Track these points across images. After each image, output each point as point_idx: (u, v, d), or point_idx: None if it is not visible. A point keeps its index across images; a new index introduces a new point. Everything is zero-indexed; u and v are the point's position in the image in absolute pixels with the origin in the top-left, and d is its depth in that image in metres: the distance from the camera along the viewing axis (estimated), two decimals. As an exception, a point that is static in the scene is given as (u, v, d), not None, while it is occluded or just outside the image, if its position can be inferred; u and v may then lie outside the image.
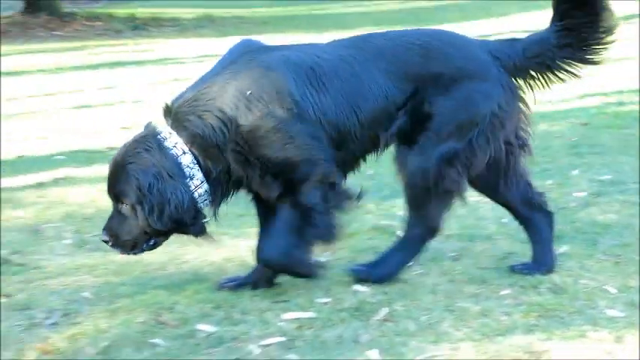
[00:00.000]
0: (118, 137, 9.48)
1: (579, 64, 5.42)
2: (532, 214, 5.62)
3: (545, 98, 10.53)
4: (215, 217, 5.28)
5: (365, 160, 5.46)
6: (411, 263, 5.48)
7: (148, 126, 5.18)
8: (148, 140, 5.10)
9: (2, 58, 16.35)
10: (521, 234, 6.01)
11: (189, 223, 5.11)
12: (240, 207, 6.56)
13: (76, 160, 8.63)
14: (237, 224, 6.58)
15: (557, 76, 5.44)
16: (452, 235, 6.17)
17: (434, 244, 5.80)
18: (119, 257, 5.95)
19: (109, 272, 5.73)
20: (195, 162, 5.08)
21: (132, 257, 5.73)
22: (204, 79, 5.17)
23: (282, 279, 5.48)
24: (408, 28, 5.65)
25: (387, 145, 5.37)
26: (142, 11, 24.43)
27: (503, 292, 5.16)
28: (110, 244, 5.18)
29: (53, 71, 14.72)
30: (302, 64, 5.17)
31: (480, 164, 5.35)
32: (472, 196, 6.98)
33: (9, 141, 9.61)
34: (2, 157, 8.90)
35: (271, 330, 4.81)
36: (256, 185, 5.19)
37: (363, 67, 5.21)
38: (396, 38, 5.40)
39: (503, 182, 5.55)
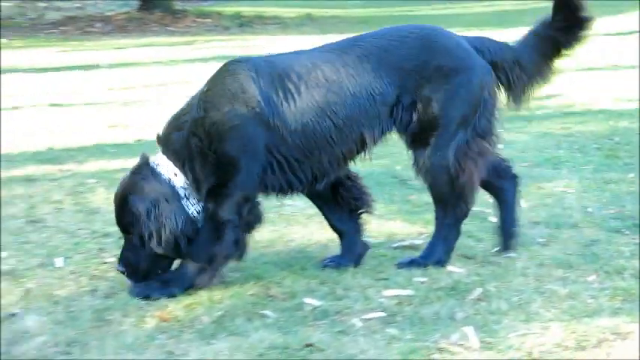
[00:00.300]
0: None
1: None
2: (502, 182, 5.61)
3: (627, 96, 10.50)
4: None
5: (352, 159, 5.32)
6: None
7: (142, 156, 5.15)
8: (143, 170, 5.08)
9: (120, 50, 16.53)
10: (606, 222, 5.96)
11: (186, 245, 5.03)
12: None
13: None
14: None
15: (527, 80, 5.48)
16: (540, 222, 6.13)
17: (523, 230, 5.77)
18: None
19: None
20: (188, 181, 5.03)
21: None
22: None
23: (382, 258, 5.50)
24: (399, 25, 5.60)
25: (376, 143, 5.26)
26: (247, 10, 24.49)
27: (589, 278, 5.09)
28: (126, 274, 5.09)
29: (167, 63, 14.82)
30: (272, 72, 5.08)
31: (493, 148, 5.38)
32: (558, 186, 6.97)
33: (128, 127, 9.70)
34: (123, 141, 8.99)
35: (372, 305, 4.80)
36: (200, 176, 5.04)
37: (342, 70, 5.10)
38: (386, 36, 5.31)
39: None
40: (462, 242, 5.59)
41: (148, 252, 5.02)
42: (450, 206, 5.33)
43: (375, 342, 4.35)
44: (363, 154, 5.30)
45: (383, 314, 4.68)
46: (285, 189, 5.21)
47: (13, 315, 4.76)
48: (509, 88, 5.45)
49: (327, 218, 5.55)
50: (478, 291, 4.91)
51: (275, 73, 5.06)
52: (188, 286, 5.03)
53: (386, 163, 7.75)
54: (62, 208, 6.68)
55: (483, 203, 6.41)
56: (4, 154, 8.44)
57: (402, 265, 5.34)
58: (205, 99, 5.03)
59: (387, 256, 5.57)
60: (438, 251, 5.37)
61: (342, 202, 5.47)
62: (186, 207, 5.03)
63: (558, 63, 5.55)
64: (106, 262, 5.54)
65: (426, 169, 5.27)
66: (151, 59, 15.41)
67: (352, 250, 5.46)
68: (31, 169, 7.72)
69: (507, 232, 5.59)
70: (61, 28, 21.21)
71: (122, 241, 5.73)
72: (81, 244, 5.81)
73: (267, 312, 4.75)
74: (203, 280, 5.05)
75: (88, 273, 5.36)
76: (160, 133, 5.14)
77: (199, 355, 4.29)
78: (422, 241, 5.70)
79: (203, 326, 4.61)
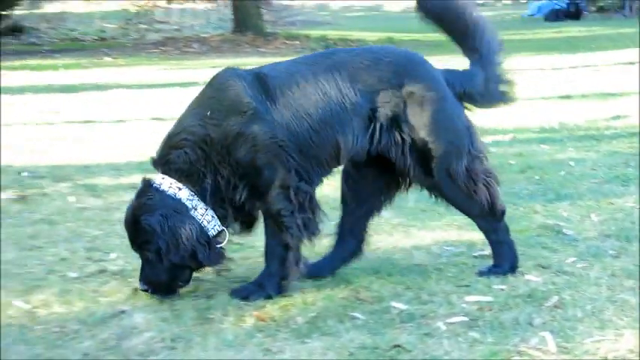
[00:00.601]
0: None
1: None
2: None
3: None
4: (235, 233, 5.21)
5: (333, 164, 5.20)
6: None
7: (142, 181, 5.07)
8: (147, 192, 4.99)
9: (215, 69, 16.62)
10: (675, 237, 5.88)
11: (204, 251, 4.96)
12: (424, 203, 6.59)
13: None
14: (422, 218, 6.58)
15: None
16: (611, 235, 6.03)
17: (595, 242, 5.73)
18: (323, 241, 6.02)
19: (311, 254, 5.74)
20: (193, 193, 4.95)
21: (327, 243, 5.79)
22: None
23: (463, 266, 5.47)
24: (376, 46, 5.59)
25: (350, 151, 5.12)
26: (332, 33, 24.57)
27: (660, 289, 5.04)
28: (150, 291, 5.02)
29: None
30: (255, 78, 5.03)
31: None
32: (627, 202, 6.88)
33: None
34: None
35: (455, 310, 4.76)
36: (228, 192, 4.99)
37: (314, 78, 5.02)
38: (360, 55, 5.22)
39: None
40: (539, 253, 5.58)
41: (166, 265, 4.93)
42: (490, 218, 5.31)
43: (459, 344, 4.32)
44: (339, 161, 5.19)
45: (465, 319, 4.64)
46: None
47: (123, 312, 4.80)
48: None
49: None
50: (554, 299, 4.85)
51: (259, 81, 5.02)
52: (280, 283, 5.03)
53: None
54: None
55: (558, 217, 6.37)
56: (112, 163, 8.54)
57: (482, 273, 5.30)
58: (204, 115, 4.97)
59: (467, 264, 5.53)
60: (508, 257, 5.33)
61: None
62: (195, 217, 4.95)
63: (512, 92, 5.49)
64: (206, 265, 5.57)
65: (442, 197, 5.29)
66: (244, 78, 15.45)
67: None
68: (136, 178, 7.75)
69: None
70: (161, 48, 21.41)
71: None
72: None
73: (356, 314, 4.74)
74: (291, 272, 5.05)
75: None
76: (156, 155, 5.08)
77: (294, 353, 4.29)
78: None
79: (297, 326, 4.61)
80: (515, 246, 5.37)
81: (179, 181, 4.94)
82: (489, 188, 5.26)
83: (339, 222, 5.48)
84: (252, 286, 5.09)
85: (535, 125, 10.74)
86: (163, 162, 5.01)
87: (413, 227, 6.33)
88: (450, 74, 5.31)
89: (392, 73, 5.12)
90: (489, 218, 5.31)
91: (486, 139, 6.48)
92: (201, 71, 14.80)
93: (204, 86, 5.14)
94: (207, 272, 5.37)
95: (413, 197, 6.99)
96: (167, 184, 4.94)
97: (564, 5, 35.17)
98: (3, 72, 15.84)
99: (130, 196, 6.79)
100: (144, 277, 4.99)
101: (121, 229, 6.04)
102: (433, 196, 5.35)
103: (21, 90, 12.35)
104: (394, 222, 6.42)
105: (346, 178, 5.41)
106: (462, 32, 5.42)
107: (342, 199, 5.48)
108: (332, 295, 5.01)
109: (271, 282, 5.06)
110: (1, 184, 7.56)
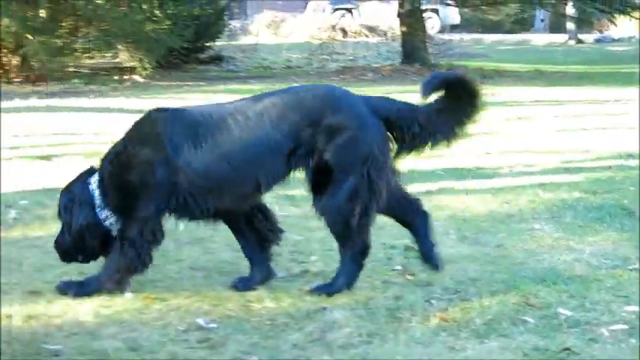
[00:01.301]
0: (481, 160, 9.47)
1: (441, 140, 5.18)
2: (413, 218, 5.35)
3: None
4: None
5: (250, 198, 5.11)
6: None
7: (90, 167, 5.15)
8: (81, 177, 5.12)
9: (387, 94, 16.59)
10: None
11: (91, 240, 5.03)
12: (580, 219, 6.45)
13: (451, 175, 8.60)
14: (579, 232, 6.39)
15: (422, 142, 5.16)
16: None
17: None
18: (491, 251, 5.95)
19: (486, 262, 5.67)
20: (103, 196, 5.00)
21: (499, 253, 5.71)
22: None
23: (620, 278, 5.31)
24: (302, 85, 5.39)
25: (270, 186, 5.06)
26: (487, 65, 24.27)
27: None
28: (55, 250, 5.17)
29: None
30: (183, 121, 4.97)
31: (382, 195, 5.02)
32: None
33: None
34: (402, 168, 8.94)
35: (616, 318, 4.63)
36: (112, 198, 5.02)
37: (244, 122, 4.91)
38: (287, 94, 5.07)
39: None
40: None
41: (67, 238, 5.06)
42: (348, 243, 5.07)
43: (622, 350, 4.21)
44: (259, 194, 5.12)
45: (626, 327, 4.51)
46: (192, 216, 5.10)
47: (324, 309, 4.82)
48: (404, 142, 5.15)
49: (241, 245, 5.36)
50: None
51: (186, 122, 4.96)
52: (97, 289, 5.00)
53: (616, 197, 7.50)
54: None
55: None
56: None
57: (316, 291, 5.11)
58: (126, 138, 5.05)
59: (623, 277, 5.37)
60: (338, 282, 5.10)
61: (254, 232, 5.29)
62: (99, 214, 5.01)
63: (461, 127, 5.19)
64: (393, 269, 5.55)
65: (321, 211, 5.05)
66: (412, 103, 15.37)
67: (259, 274, 5.26)
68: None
69: (429, 256, 5.31)
70: (340, 76, 21.53)
71: (406, 253, 5.79)
72: (373, 254, 5.79)
73: (527, 318, 4.65)
74: (111, 286, 5.00)
75: (380, 277, 5.38)
76: (103, 158, 5.15)
77: (475, 352, 4.24)
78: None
79: (476, 327, 4.55)
80: (353, 280, 5.11)
81: (100, 182, 5.05)
82: (363, 215, 5.02)
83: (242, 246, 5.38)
84: (76, 283, 5.09)
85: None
86: (100, 164, 5.10)
87: (572, 240, 6.17)
88: (376, 103, 5.12)
89: (311, 110, 4.97)
90: (349, 247, 5.09)
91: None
92: (377, 97, 14.77)
93: (144, 114, 5.17)
94: (393, 276, 5.38)
95: (570, 214, 6.89)
96: (94, 180, 5.06)
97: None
98: (210, 95, 16.16)
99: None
100: (56, 239, 5.16)
101: (320, 236, 6.12)
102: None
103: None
104: (555, 236, 6.28)
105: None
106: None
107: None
108: (505, 300, 4.92)
109: (92, 285, 5.04)
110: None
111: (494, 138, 11.06)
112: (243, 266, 5.43)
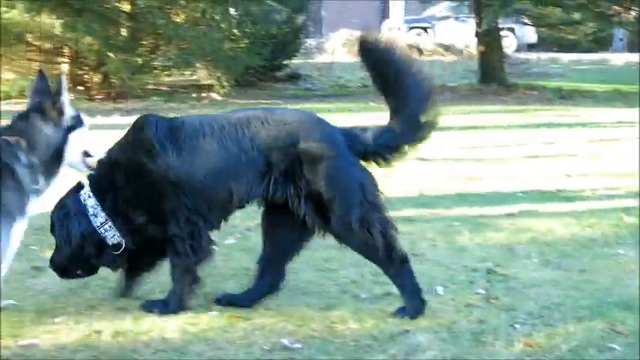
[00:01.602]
0: (562, 182, 9.39)
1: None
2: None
3: None
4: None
5: (228, 208, 5.12)
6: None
7: (78, 183, 5.14)
8: (70, 193, 5.12)
9: (464, 115, 16.51)
10: None
11: (93, 252, 5.04)
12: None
13: (532, 198, 8.54)
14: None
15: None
16: None
17: None
18: (575, 276, 5.90)
19: (569, 287, 5.63)
20: (98, 204, 4.99)
21: (583, 278, 5.66)
22: None
23: None
24: (282, 108, 5.57)
25: (244, 199, 5.06)
26: (565, 85, 24.00)
27: None
28: (52, 269, 5.16)
29: (505, 127, 14.66)
30: (169, 125, 5.05)
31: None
32: None
33: (483, 179, 9.64)
34: (480, 191, 8.98)
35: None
36: (129, 212, 5.03)
37: (222, 133, 4.95)
38: (266, 114, 5.09)
39: None
40: None
41: (65, 253, 5.05)
42: (385, 261, 5.11)
43: None
44: (233, 205, 5.11)
45: None
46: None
47: (407, 331, 4.84)
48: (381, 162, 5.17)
49: (265, 251, 5.36)
50: None
51: (171, 128, 5.04)
52: (180, 300, 5.09)
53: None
54: (436, 244, 6.73)
55: None
56: (386, 197, 8.53)
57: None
58: (122, 145, 5.10)
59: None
60: (413, 305, 5.09)
61: (293, 243, 5.33)
62: (93, 222, 5.00)
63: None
64: (476, 293, 5.54)
65: (344, 243, 5.15)
66: (491, 123, 15.30)
67: (267, 286, 5.32)
68: (409, 212, 7.83)
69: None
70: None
71: (489, 276, 5.78)
72: (455, 276, 5.85)
73: (614, 345, 4.62)
74: (188, 291, 5.11)
75: (463, 301, 5.38)
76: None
77: (561, 378, 4.23)
78: None
79: (562, 353, 4.53)
80: (420, 291, 5.10)
81: (92, 191, 5.05)
82: (386, 236, 5.04)
83: (261, 258, 5.35)
84: (159, 302, 5.14)
85: None
86: (93, 172, 5.08)
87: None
88: (350, 134, 5.12)
89: (287, 132, 4.99)
90: (390, 264, 5.09)
91: None
92: (454, 117, 14.75)
93: (134, 122, 5.24)
94: (476, 299, 5.37)
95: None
96: (85, 190, 5.07)
97: None
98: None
99: (405, 228, 6.90)
100: (51, 259, 5.17)
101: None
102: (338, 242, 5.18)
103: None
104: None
105: (266, 219, 5.32)
106: (387, 82, 5.17)
107: (263, 238, 5.36)
108: (590, 327, 4.89)
109: (173, 300, 5.08)
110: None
111: (576, 160, 10.97)
112: (328, 286, 5.48)
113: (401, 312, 5.09)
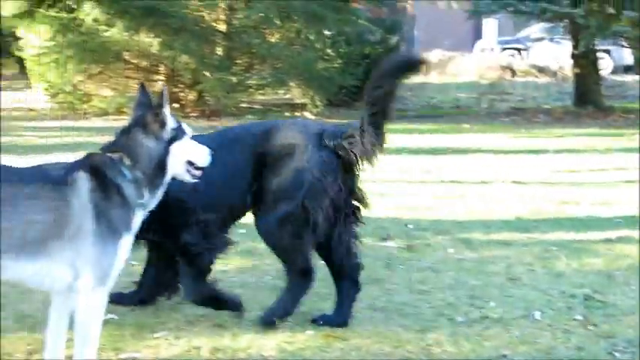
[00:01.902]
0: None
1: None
2: (341, 279, 5.28)
3: None
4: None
5: (229, 222, 5.27)
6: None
7: None
8: None
9: (560, 138, 16.29)
10: None
11: None
12: None
13: (630, 224, 8.38)
14: None
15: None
16: None
17: None
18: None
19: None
20: None
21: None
22: None
23: None
24: (263, 121, 5.93)
25: (242, 213, 5.27)
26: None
27: None
28: None
29: (602, 151, 14.45)
30: None
31: (318, 222, 5.06)
32: None
33: (579, 204, 9.51)
34: (576, 216, 8.89)
35: None
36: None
37: (220, 152, 4.87)
38: (250, 128, 5.39)
39: (326, 243, 5.19)
40: None
41: None
42: (286, 264, 5.18)
43: None
44: (235, 219, 5.30)
45: None
46: None
47: (504, 356, 4.82)
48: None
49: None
50: None
51: None
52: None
53: None
54: (533, 269, 6.67)
55: None
56: (482, 220, 8.55)
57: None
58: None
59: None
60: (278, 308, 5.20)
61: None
62: None
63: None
64: (574, 319, 5.48)
65: (260, 232, 5.19)
66: (586, 147, 15.09)
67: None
68: (505, 235, 7.79)
69: (327, 319, 5.29)
70: (511, 117, 21.30)
71: (587, 303, 5.70)
72: (552, 302, 5.80)
73: None
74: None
75: (560, 327, 5.33)
76: None
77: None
78: None
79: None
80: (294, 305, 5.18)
81: None
82: (293, 239, 5.09)
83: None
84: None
85: None
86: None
87: None
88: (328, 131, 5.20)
89: (262, 141, 5.16)
90: (287, 268, 5.18)
91: None
92: (549, 140, 14.62)
93: None
94: (574, 325, 5.31)
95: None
96: None
97: None
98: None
99: (501, 252, 6.87)
100: None
101: (498, 281, 6.11)
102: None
103: (398, 151, 12.58)
104: None
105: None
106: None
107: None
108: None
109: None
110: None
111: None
112: (423, 308, 5.49)
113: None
